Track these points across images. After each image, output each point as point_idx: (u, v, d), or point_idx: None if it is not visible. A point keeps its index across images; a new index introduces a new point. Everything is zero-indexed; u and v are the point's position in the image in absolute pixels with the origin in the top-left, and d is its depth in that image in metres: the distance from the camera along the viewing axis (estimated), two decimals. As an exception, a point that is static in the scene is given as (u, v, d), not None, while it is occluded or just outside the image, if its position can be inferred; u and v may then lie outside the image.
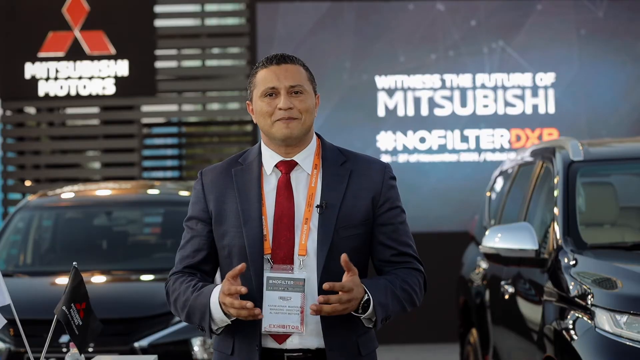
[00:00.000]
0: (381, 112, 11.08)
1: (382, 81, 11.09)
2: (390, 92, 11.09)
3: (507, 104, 11.09)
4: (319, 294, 2.92)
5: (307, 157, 3.09)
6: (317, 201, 3.04)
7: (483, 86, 11.08)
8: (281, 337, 3.00)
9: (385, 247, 3.09)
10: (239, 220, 3.03)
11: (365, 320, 2.98)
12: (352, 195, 3.06)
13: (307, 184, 3.07)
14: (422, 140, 11.06)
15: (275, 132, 3.04)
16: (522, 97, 11.09)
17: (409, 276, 3.06)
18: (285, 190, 3.05)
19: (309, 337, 2.99)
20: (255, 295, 2.94)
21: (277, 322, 2.94)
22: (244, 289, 2.88)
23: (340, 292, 2.88)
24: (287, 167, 3.08)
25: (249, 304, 2.87)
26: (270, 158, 3.10)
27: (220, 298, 2.92)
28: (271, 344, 3.00)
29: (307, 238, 3.01)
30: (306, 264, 2.99)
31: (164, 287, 3.19)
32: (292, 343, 3.00)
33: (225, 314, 2.94)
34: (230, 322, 2.97)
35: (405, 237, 3.12)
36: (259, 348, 2.99)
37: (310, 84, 3.09)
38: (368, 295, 2.92)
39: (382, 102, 11.08)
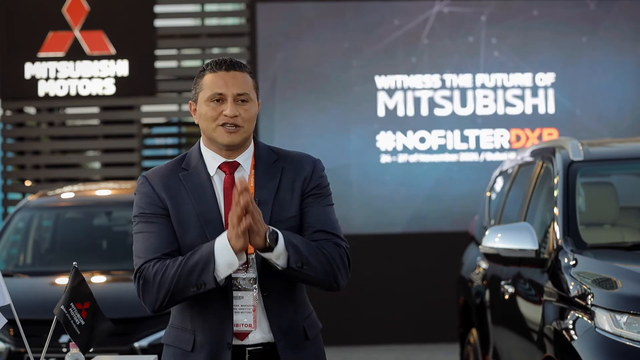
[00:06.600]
0: (381, 112, 11.07)
1: (382, 81, 11.08)
2: (390, 92, 11.09)
3: (507, 104, 11.09)
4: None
5: (247, 159, 3.16)
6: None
7: (483, 86, 11.08)
8: (243, 335, 3.08)
9: (308, 225, 3.12)
10: (199, 222, 3.07)
11: (276, 260, 2.98)
12: (285, 190, 3.12)
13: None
14: (422, 140, 11.05)
15: (218, 136, 3.10)
16: (522, 97, 11.08)
17: (327, 246, 3.08)
18: (231, 190, 3.08)
19: (269, 333, 3.08)
20: (221, 296, 3.01)
21: (238, 321, 3.04)
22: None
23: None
24: (230, 168, 3.14)
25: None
26: (212, 159, 3.15)
27: (231, 231, 2.90)
28: (235, 341, 3.07)
29: None
30: (255, 261, 3.06)
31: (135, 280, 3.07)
32: (254, 338, 3.08)
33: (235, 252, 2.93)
34: (239, 267, 2.97)
35: (325, 217, 3.14)
36: (230, 345, 3.04)
37: (254, 92, 3.15)
38: (272, 229, 2.95)
39: (382, 102, 11.08)
